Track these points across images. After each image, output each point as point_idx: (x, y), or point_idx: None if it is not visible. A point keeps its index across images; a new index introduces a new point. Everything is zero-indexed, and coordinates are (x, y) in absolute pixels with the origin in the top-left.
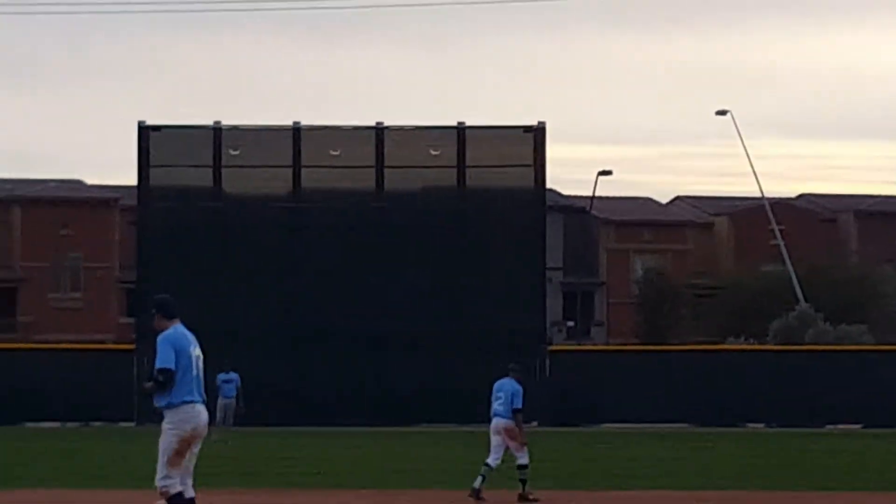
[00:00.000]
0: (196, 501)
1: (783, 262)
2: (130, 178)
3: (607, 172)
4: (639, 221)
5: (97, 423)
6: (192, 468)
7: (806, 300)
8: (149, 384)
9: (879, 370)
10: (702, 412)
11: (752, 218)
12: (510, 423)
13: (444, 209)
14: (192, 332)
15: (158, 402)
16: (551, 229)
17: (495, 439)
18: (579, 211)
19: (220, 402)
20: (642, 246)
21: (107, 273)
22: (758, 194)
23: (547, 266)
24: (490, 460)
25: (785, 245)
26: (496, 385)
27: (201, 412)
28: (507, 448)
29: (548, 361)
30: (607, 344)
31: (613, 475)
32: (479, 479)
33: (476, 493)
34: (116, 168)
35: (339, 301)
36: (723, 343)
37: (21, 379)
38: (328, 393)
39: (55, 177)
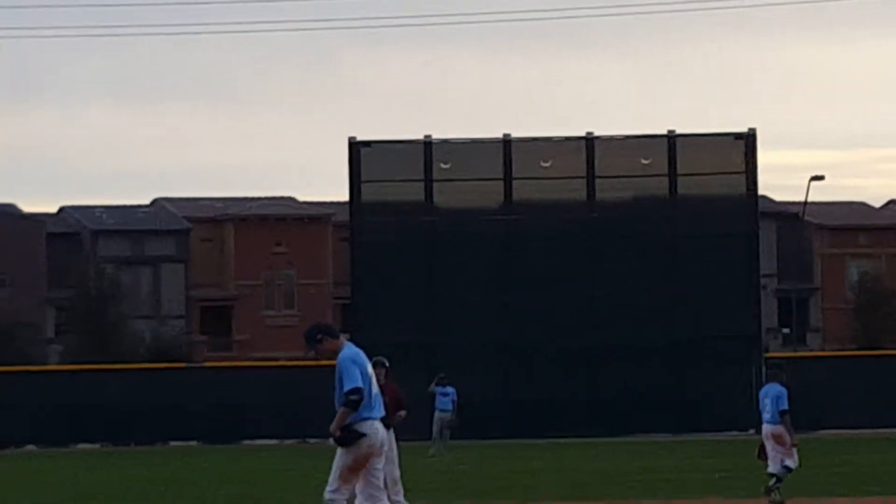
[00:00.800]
0: None
1: None
2: (342, 194)
3: (820, 177)
4: (853, 226)
5: (314, 440)
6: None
7: None
8: (342, 409)
9: None
10: None
11: None
12: (777, 429)
13: (655, 218)
14: (407, 347)
15: (340, 426)
16: (764, 236)
17: (768, 445)
18: (792, 217)
19: (437, 415)
20: (857, 250)
21: (320, 289)
22: None
23: (761, 273)
24: (770, 469)
25: None
26: (761, 393)
27: (380, 428)
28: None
29: (764, 369)
30: (823, 350)
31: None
32: (774, 485)
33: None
34: (328, 184)
35: (551, 313)
36: None
37: (237, 396)
38: (540, 405)
39: (267, 194)
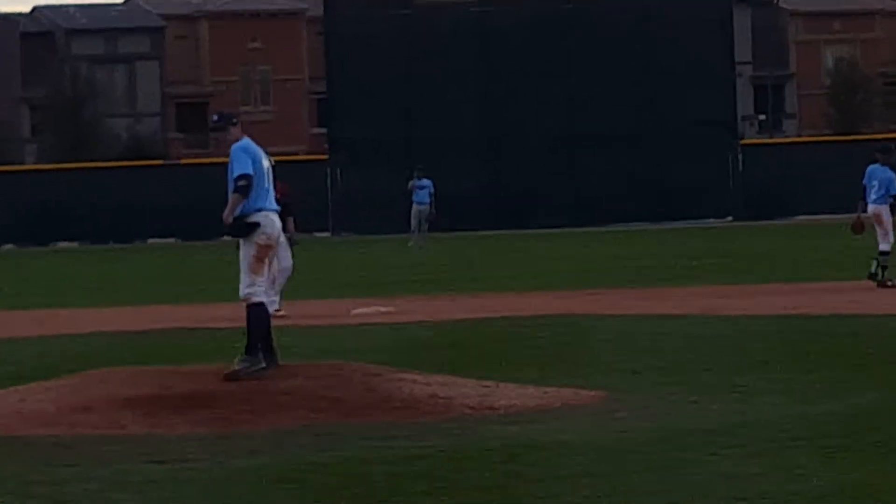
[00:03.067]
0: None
1: None
2: None
3: None
4: (828, 12)
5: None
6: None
7: None
8: (233, 195)
9: None
10: None
11: None
12: (880, 208)
13: (630, 6)
14: (385, 141)
15: (233, 214)
16: (739, 23)
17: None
18: (767, 3)
19: (414, 208)
20: (832, 36)
21: (296, 85)
22: None
23: (736, 60)
24: (882, 247)
25: None
26: (868, 172)
27: (275, 220)
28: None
29: (740, 156)
30: (799, 136)
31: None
32: (874, 263)
33: (873, 277)
34: None
35: (529, 104)
36: None
37: (215, 193)
38: (521, 195)
39: None
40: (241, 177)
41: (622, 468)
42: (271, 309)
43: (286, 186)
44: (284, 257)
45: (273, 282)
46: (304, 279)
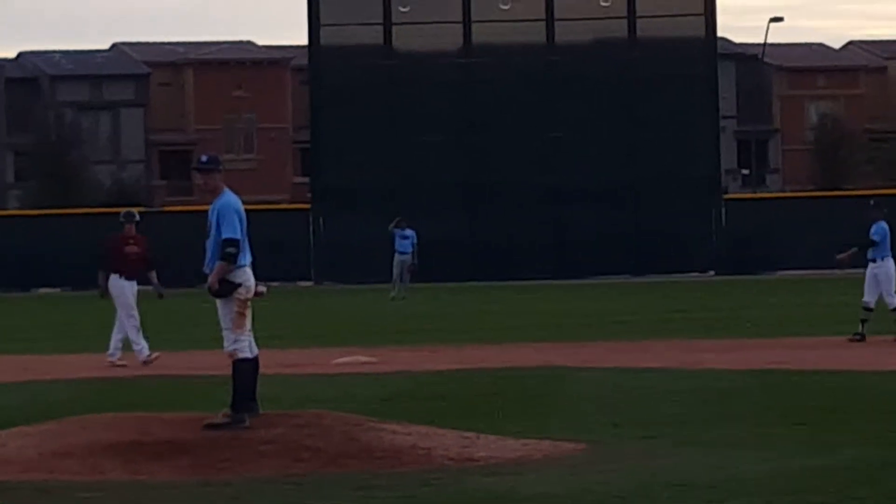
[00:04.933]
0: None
1: None
2: (301, 38)
3: (779, 19)
4: (812, 67)
5: (275, 283)
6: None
7: None
8: (220, 262)
9: None
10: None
11: None
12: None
13: (615, 60)
14: (368, 190)
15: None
16: (724, 77)
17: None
18: (752, 58)
19: (397, 258)
20: (816, 92)
21: (280, 133)
22: None
23: (720, 114)
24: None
25: None
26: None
27: (251, 274)
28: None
29: (723, 210)
30: (783, 191)
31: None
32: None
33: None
34: (287, 28)
35: (511, 155)
36: None
37: (197, 241)
38: (502, 247)
39: (227, 38)
40: (230, 243)
41: None
42: (140, 357)
43: (147, 241)
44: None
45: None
46: (287, 328)
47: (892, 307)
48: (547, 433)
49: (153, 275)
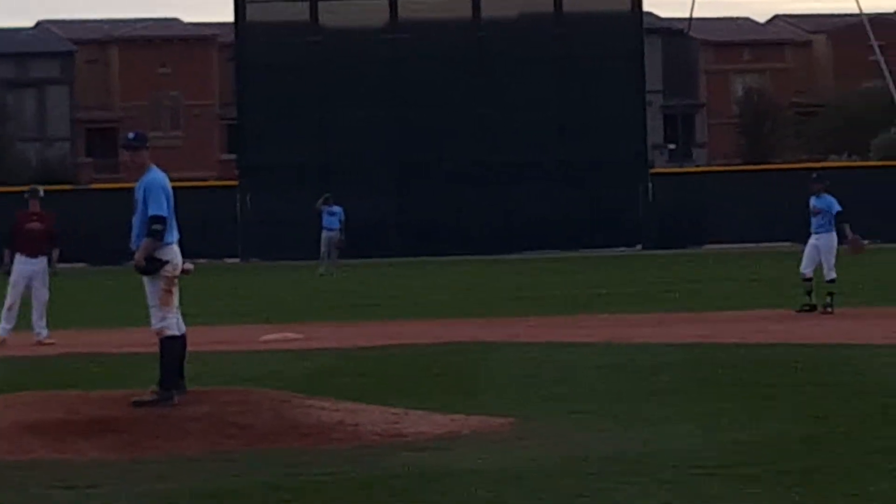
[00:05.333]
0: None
1: (883, 77)
2: (227, 15)
3: None
4: (738, 42)
5: (202, 261)
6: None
7: None
8: (147, 239)
9: None
10: (806, 230)
11: (850, 35)
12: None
13: (541, 36)
14: (295, 167)
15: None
16: (650, 52)
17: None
18: (677, 33)
19: (324, 235)
20: (742, 66)
21: (206, 110)
22: (856, 10)
23: (646, 89)
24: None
25: (885, 60)
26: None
27: (178, 251)
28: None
29: (650, 184)
30: (709, 165)
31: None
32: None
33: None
34: (213, 5)
35: (439, 132)
36: (825, 160)
37: (124, 218)
38: (431, 223)
39: (152, 16)
40: (157, 220)
41: (530, 496)
42: (39, 338)
43: (52, 217)
44: (39, 287)
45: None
46: (214, 305)
47: (828, 279)
48: (475, 409)
49: (55, 252)
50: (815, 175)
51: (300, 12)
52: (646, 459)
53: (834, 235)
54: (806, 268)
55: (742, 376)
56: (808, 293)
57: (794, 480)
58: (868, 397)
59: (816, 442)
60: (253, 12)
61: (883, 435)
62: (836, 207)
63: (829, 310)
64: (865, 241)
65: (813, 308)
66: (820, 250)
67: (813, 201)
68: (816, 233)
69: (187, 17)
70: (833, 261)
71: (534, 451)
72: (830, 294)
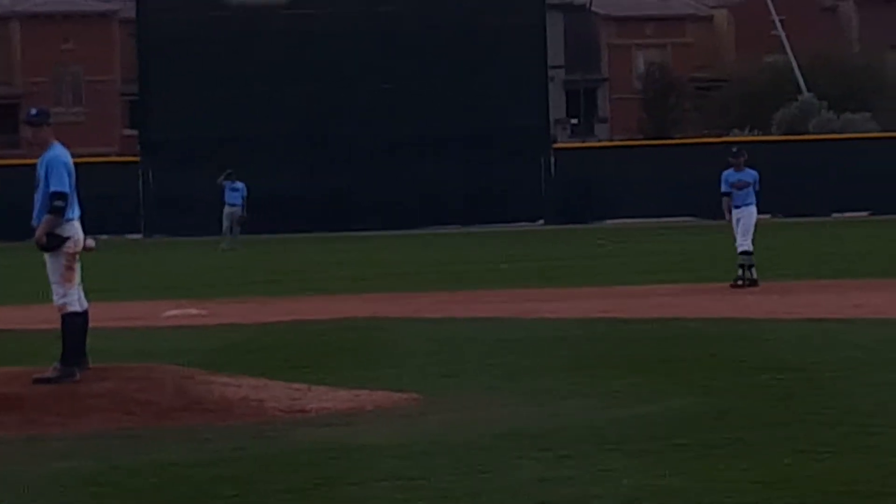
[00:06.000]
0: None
1: (785, 52)
2: None
3: None
4: (639, 16)
5: (104, 237)
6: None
7: (808, 90)
8: (48, 216)
9: (884, 157)
10: (709, 205)
11: (752, 9)
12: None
13: (444, 11)
14: (198, 143)
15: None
16: (552, 27)
17: None
18: (579, 8)
19: (226, 210)
20: (644, 41)
21: (108, 86)
22: None
23: (549, 64)
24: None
25: (786, 35)
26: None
27: (79, 227)
28: None
29: (552, 159)
30: (611, 140)
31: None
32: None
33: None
34: None
35: (342, 107)
36: (727, 135)
37: (27, 195)
38: (336, 199)
39: None
40: (59, 195)
41: (433, 471)
42: None
43: None
44: None
45: None
46: (116, 281)
47: (742, 250)
48: (379, 384)
49: None
50: (735, 149)
51: None
52: (547, 434)
53: (755, 209)
54: (741, 243)
55: (644, 351)
56: (750, 267)
57: (694, 454)
58: (767, 372)
59: (715, 417)
60: None
61: (779, 409)
62: (758, 186)
63: (740, 283)
64: (767, 215)
65: (754, 282)
66: (741, 222)
67: (736, 175)
68: (738, 206)
69: None
70: (752, 234)
71: (437, 427)
72: (742, 266)
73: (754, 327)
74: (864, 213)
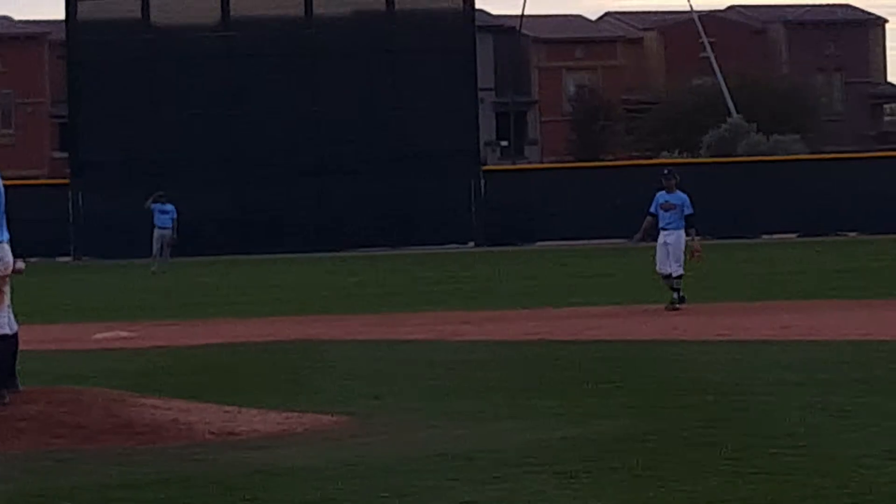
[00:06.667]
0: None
1: (714, 74)
2: (59, 13)
3: None
4: (569, 39)
5: (34, 259)
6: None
7: (738, 112)
8: None
9: (813, 179)
10: (638, 227)
11: (681, 31)
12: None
13: (374, 33)
14: (129, 165)
15: None
16: (482, 50)
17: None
18: (509, 30)
19: (156, 233)
20: (574, 63)
21: (38, 108)
22: (686, 8)
23: (479, 87)
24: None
25: (715, 57)
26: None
27: (9, 250)
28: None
29: (483, 181)
30: (541, 162)
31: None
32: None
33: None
34: (44, 3)
35: (273, 129)
36: (656, 157)
37: None
38: (266, 220)
39: None
40: None
41: (362, 494)
42: None
43: None
44: None
45: None
46: (46, 303)
47: (675, 275)
48: (309, 406)
49: None
50: (666, 171)
51: (132, 10)
52: (476, 456)
53: (683, 232)
54: (662, 266)
55: (574, 373)
56: (676, 290)
57: (623, 477)
58: (695, 394)
59: (645, 439)
60: (84, 10)
61: (708, 431)
62: (689, 209)
63: (678, 306)
64: (698, 238)
65: (682, 300)
66: (669, 246)
67: (665, 196)
68: (666, 229)
69: (18, 15)
70: (682, 257)
71: (365, 449)
72: (677, 290)
73: (684, 349)
74: (794, 235)
